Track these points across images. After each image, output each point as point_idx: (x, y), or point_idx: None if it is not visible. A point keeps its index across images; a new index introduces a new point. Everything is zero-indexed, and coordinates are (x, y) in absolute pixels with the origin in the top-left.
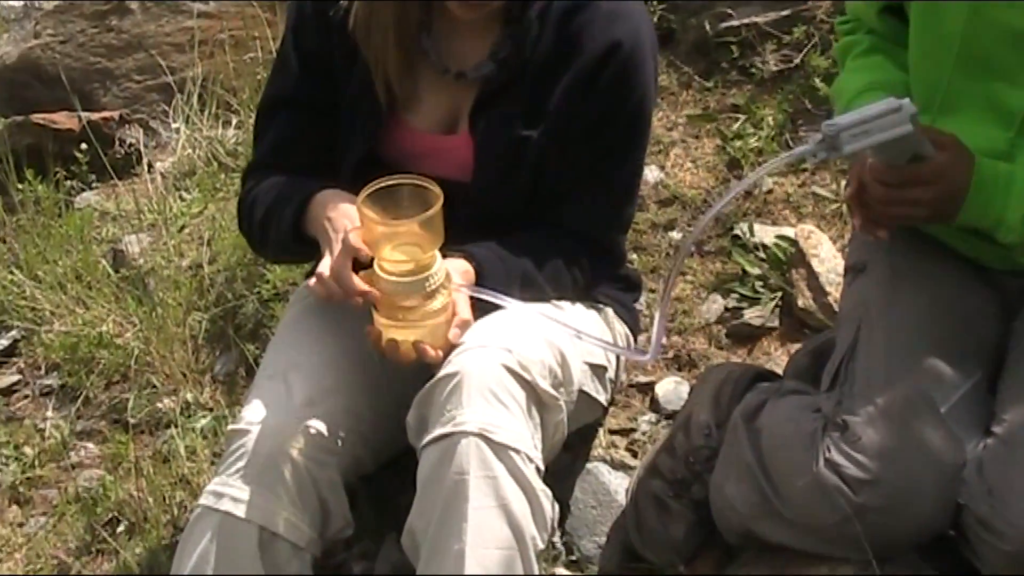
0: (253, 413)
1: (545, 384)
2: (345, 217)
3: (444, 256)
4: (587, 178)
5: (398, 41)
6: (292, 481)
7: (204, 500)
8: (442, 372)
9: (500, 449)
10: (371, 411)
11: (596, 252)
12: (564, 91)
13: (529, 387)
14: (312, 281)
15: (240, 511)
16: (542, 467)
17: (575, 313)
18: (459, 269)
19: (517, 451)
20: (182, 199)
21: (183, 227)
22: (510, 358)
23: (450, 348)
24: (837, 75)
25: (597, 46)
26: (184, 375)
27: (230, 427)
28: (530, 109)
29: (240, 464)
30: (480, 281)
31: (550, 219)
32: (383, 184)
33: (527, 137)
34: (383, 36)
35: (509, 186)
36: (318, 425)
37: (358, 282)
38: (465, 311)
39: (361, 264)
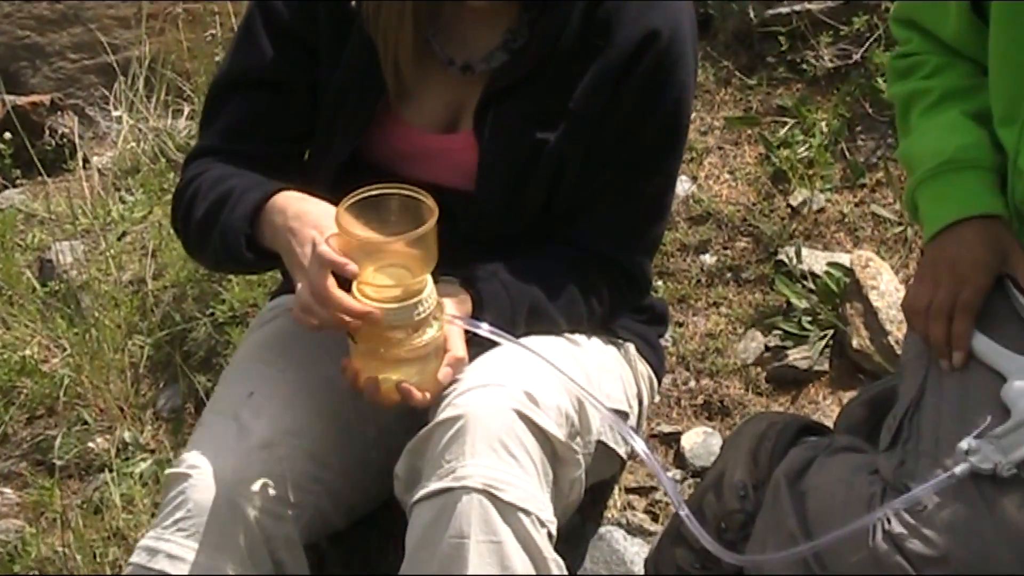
0: (197, 456)
1: (561, 434)
2: (312, 227)
3: (436, 281)
4: (611, 191)
5: (416, 20)
6: (241, 538)
7: (136, 558)
8: (442, 415)
9: (508, 510)
10: (339, 458)
11: (618, 278)
12: (589, 87)
13: (543, 437)
14: (294, 310)
15: (177, 571)
16: (554, 532)
17: (591, 350)
18: (454, 297)
19: (527, 513)
20: (123, 201)
21: (124, 234)
22: (523, 402)
23: (439, 390)
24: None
25: (630, 36)
26: (122, 410)
27: (169, 471)
28: (547, 107)
29: (179, 515)
30: (479, 312)
31: (564, 238)
32: (368, 193)
33: (542, 140)
34: (399, 14)
35: (518, 197)
36: (274, 472)
37: (346, 298)
38: (459, 347)
39: (341, 282)
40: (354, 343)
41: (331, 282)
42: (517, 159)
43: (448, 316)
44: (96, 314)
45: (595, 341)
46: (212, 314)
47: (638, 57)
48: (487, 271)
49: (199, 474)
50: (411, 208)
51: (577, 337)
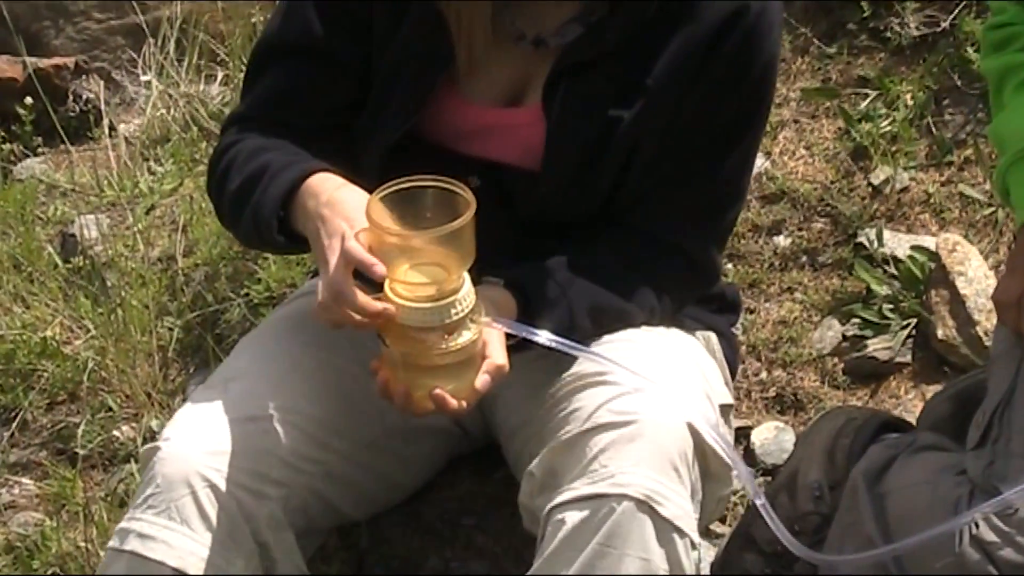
0: (172, 428)
1: (718, 447)
2: (343, 218)
3: (478, 283)
4: (685, 174)
5: None
6: (217, 514)
7: (112, 542)
8: (603, 418)
9: (664, 527)
10: (344, 440)
11: (686, 270)
12: (670, 64)
13: (702, 452)
14: (314, 307)
15: (149, 551)
16: (702, 557)
17: (673, 342)
18: (495, 299)
19: (682, 533)
20: (152, 172)
21: (152, 208)
22: (694, 412)
23: (476, 399)
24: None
25: (718, 10)
26: (149, 396)
27: (144, 447)
28: (623, 83)
29: (148, 491)
30: (526, 315)
31: (629, 225)
32: (402, 185)
33: (616, 118)
34: None
35: (587, 178)
36: (257, 447)
37: (362, 296)
38: (498, 354)
39: (370, 284)
40: (385, 346)
41: (350, 280)
42: (588, 137)
43: (487, 320)
44: (122, 293)
45: (675, 332)
46: (247, 295)
47: (725, 33)
48: (539, 270)
49: (169, 447)
50: (447, 202)
51: (658, 330)
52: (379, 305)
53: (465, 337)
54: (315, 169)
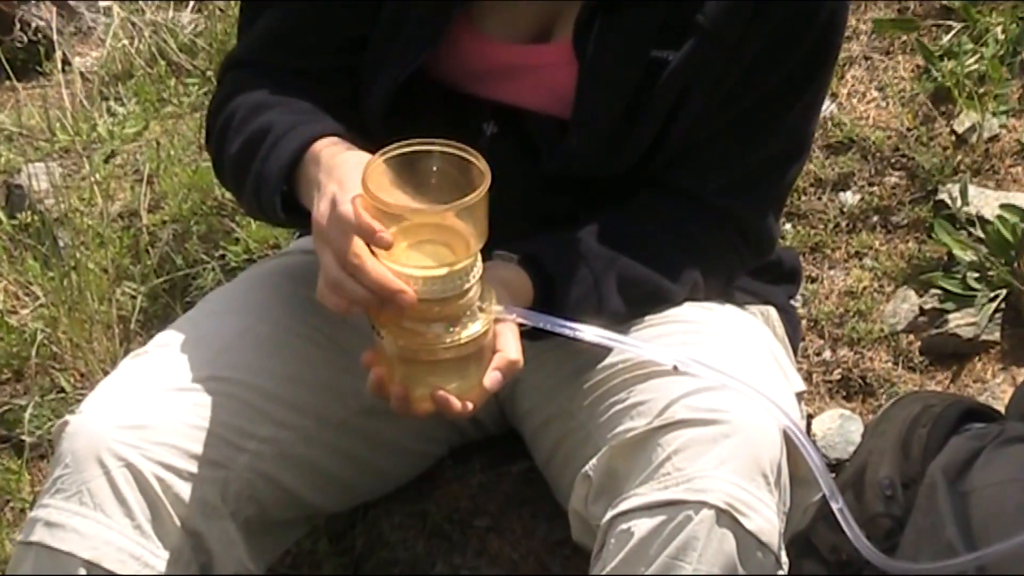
0: (88, 401)
1: (809, 449)
2: (336, 180)
3: (488, 259)
4: (740, 127)
5: None
6: (136, 497)
7: (20, 534)
8: (679, 414)
9: (747, 541)
10: (304, 417)
11: (737, 240)
12: (721, 1)
13: (793, 457)
14: (319, 288)
15: (58, 541)
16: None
17: (736, 323)
18: (508, 280)
19: (767, 550)
20: (112, 114)
21: (112, 155)
22: (789, 418)
23: (484, 399)
24: None
25: None
26: (107, 375)
27: (57, 423)
28: (670, 20)
29: (57, 473)
30: (547, 299)
31: (672, 185)
32: (405, 148)
33: (660, 59)
34: None
35: (625, 129)
36: (185, 420)
37: (380, 271)
38: (511, 347)
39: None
40: (379, 337)
41: (361, 247)
42: (628, 81)
43: (499, 308)
44: (77, 255)
45: (732, 311)
46: (222, 256)
47: None
48: (561, 242)
49: (80, 421)
50: (458, 168)
51: (711, 308)
52: (398, 283)
53: (473, 328)
54: (321, 134)
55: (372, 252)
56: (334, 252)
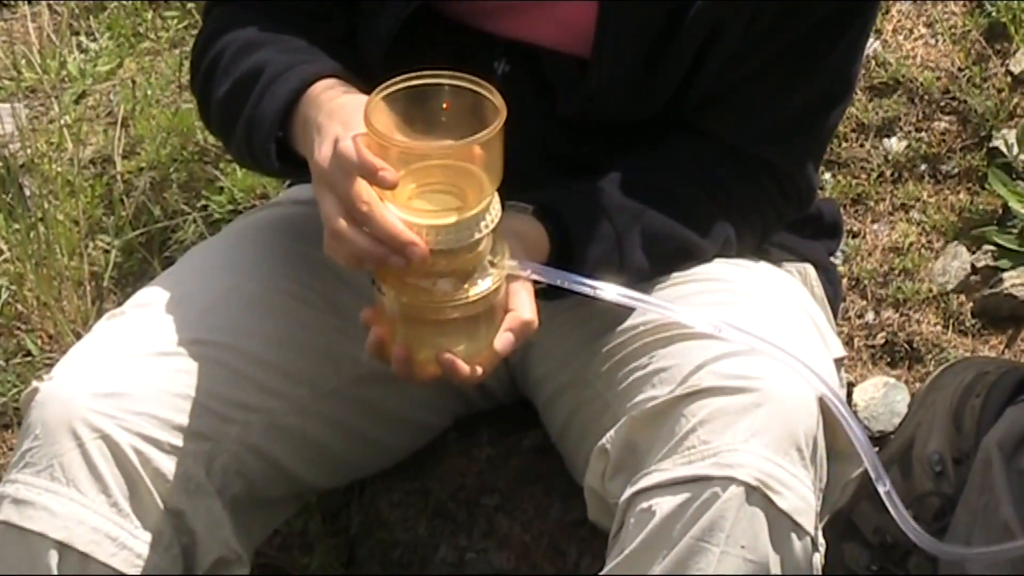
0: (60, 367)
1: (850, 421)
2: (339, 122)
3: (502, 207)
4: (777, 69)
5: None
6: (112, 472)
7: None
8: (705, 381)
9: (780, 521)
10: (301, 387)
11: (773, 191)
12: None
13: (831, 429)
14: (325, 239)
15: (26, 520)
16: (822, 560)
17: (770, 282)
18: (523, 233)
19: (802, 532)
20: (83, 50)
21: (83, 95)
22: (827, 387)
23: (495, 363)
24: None
25: None
26: (79, 337)
27: (26, 391)
28: None
29: (26, 446)
30: (564, 252)
31: (702, 131)
32: (410, 82)
33: None
34: None
35: (650, 70)
36: (166, 387)
37: (390, 219)
38: (525, 306)
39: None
40: (380, 294)
41: (369, 192)
42: (653, 16)
43: (512, 264)
44: (45, 204)
45: (766, 268)
46: (204, 207)
47: None
48: (580, 192)
49: (51, 388)
50: (470, 104)
51: (743, 265)
52: (409, 233)
53: (483, 285)
54: (319, 74)
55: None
56: (337, 197)
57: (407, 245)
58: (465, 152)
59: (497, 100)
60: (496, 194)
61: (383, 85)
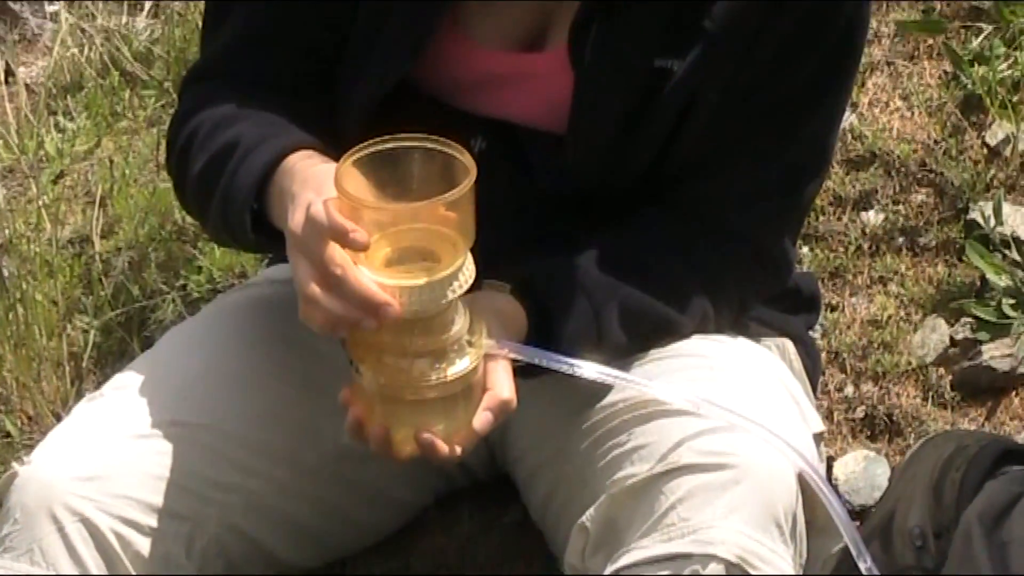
0: (40, 449)
1: (829, 497)
2: (312, 189)
3: (478, 286)
4: (753, 142)
5: None
6: (92, 555)
7: None
8: (684, 458)
9: None
10: (281, 467)
11: (751, 265)
12: (730, 3)
13: (810, 504)
14: (300, 306)
15: None
16: None
17: (748, 358)
18: (501, 310)
19: None
20: (60, 129)
21: (61, 175)
22: (805, 461)
23: (473, 442)
24: None
25: None
26: (58, 417)
27: (5, 474)
28: (674, 24)
29: (5, 530)
30: (543, 330)
31: (677, 205)
32: (381, 146)
33: (664, 68)
34: None
35: (626, 144)
36: (146, 470)
37: (361, 282)
38: (503, 385)
39: None
40: (358, 374)
41: (343, 256)
42: (629, 91)
43: (489, 343)
44: (23, 285)
45: (744, 344)
46: (183, 287)
47: None
48: (557, 267)
49: (31, 472)
50: (441, 167)
51: (721, 341)
52: (383, 294)
53: (461, 364)
54: (294, 146)
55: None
56: (311, 262)
57: (380, 306)
58: (436, 213)
59: (467, 160)
60: (469, 255)
61: (354, 149)
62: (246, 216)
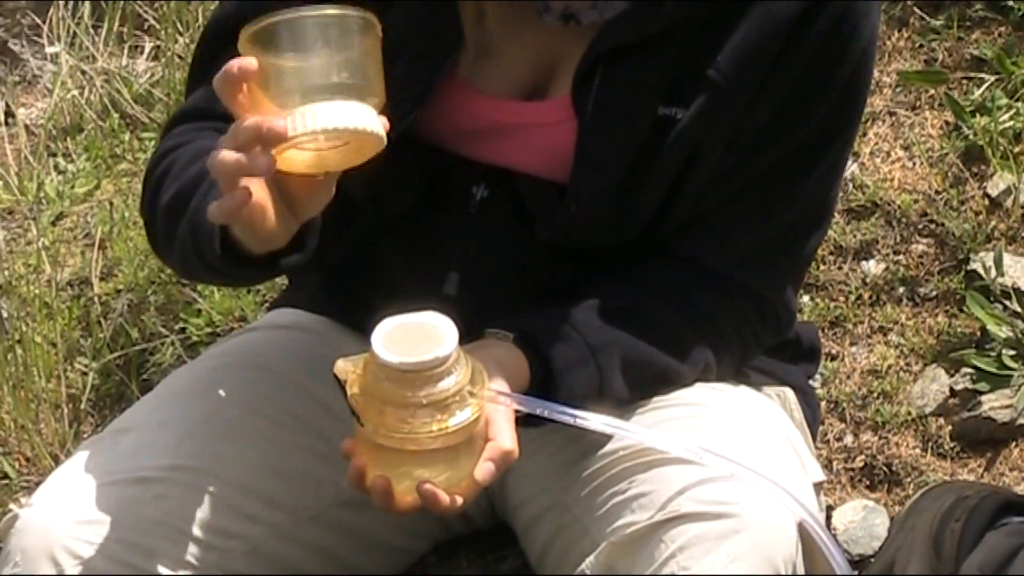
0: (41, 493)
1: (830, 547)
2: None
3: (481, 335)
4: (757, 193)
5: None
6: None
7: None
8: (684, 507)
9: None
10: (282, 513)
11: (753, 316)
12: (740, 51)
13: (810, 553)
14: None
15: None
16: None
17: (749, 407)
18: (503, 361)
19: None
20: (60, 171)
21: (61, 217)
22: (806, 511)
23: (475, 493)
24: None
25: None
26: (56, 460)
27: (5, 518)
28: (678, 74)
29: (7, 573)
30: (545, 381)
31: (679, 256)
32: (274, 17)
33: (668, 117)
34: None
35: (629, 195)
36: (145, 515)
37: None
38: (505, 436)
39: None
40: (360, 425)
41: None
42: (632, 141)
43: (491, 392)
44: (22, 327)
45: (745, 392)
46: (182, 330)
47: (814, 10)
48: (559, 318)
49: (30, 515)
50: (338, 33)
51: (722, 389)
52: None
53: (462, 415)
54: None
55: None
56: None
57: (265, 126)
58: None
59: (369, 16)
60: (375, 113)
61: (249, 24)
62: (216, 232)
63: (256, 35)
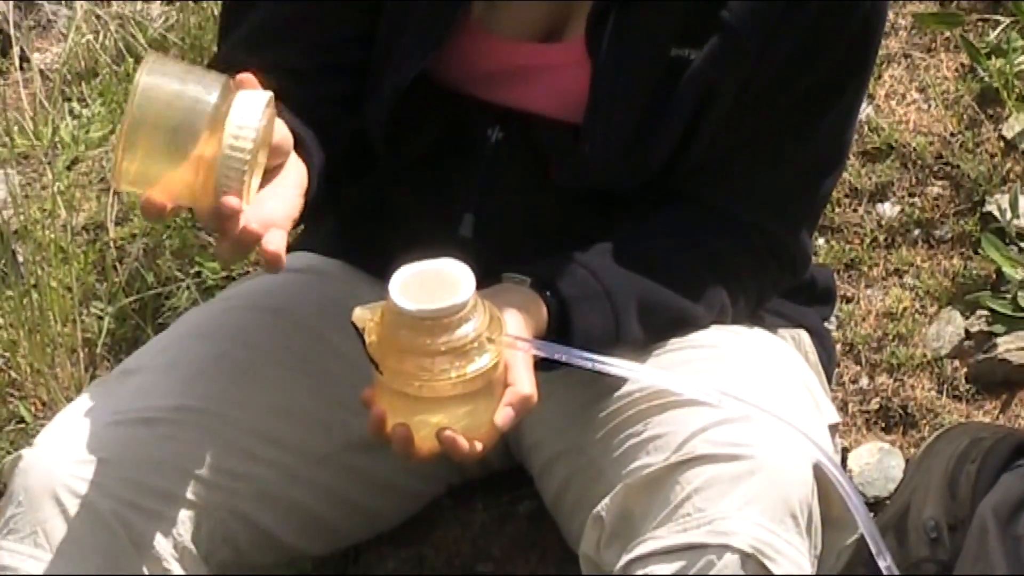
0: (45, 434)
1: (847, 488)
2: None
3: (498, 279)
4: (771, 136)
5: None
6: (95, 537)
7: None
8: (699, 449)
9: None
10: (290, 455)
11: (768, 258)
12: None
13: (826, 495)
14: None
15: None
16: None
17: (764, 349)
18: (521, 306)
19: None
20: (75, 116)
21: (76, 162)
22: (822, 452)
23: (495, 438)
24: None
25: None
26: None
27: (9, 457)
28: (692, 16)
29: (10, 512)
30: (562, 325)
31: (696, 200)
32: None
33: (682, 59)
34: None
35: (643, 137)
36: (150, 455)
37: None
38: (524, 381)
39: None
40: (379, 373)
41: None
42: (646, 83)
43: (509, 337)
44: (38, 271)
45: (760, 335)
46: (198, 274)
47: None
48: (576, 262)
49: (33, 455)
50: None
51: (738, 332)
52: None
53: (481, 362)
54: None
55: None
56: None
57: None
58: None
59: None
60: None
61: None
62: None
63: None
